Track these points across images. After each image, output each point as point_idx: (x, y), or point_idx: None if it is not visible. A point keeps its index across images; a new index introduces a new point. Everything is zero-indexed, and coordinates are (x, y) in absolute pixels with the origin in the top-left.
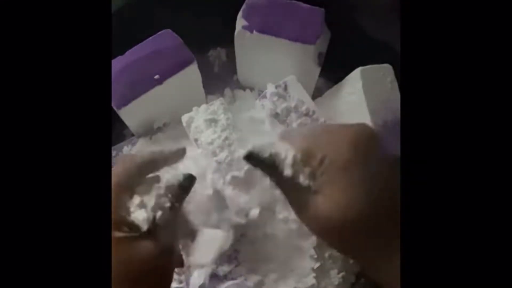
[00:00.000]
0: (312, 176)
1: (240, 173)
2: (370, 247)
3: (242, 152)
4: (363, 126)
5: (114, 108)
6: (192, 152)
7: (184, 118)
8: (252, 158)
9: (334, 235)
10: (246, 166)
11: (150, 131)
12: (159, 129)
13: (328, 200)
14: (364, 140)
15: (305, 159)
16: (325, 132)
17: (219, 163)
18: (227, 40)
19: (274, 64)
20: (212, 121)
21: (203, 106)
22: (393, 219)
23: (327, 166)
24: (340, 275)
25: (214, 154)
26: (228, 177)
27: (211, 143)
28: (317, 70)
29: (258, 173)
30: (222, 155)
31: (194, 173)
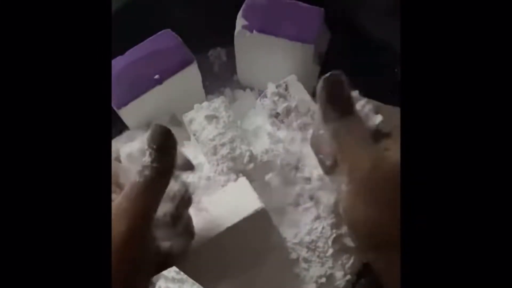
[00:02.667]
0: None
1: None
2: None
3: (244, 148)
4: None
5: (114, 108)
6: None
7: (185, 116)
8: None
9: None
10: (250, 164)
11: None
12: None
13: (395, 157)
14: None
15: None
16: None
17: (221, 157)
18: (227, 40)
19: (274, 63)
20: (214, 118)
21: (205, 103)
22: None
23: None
24: (346, 278)
25: (215, 150)
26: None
27: (212, 139)
28: (317, 69)
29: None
30: (224, 151)
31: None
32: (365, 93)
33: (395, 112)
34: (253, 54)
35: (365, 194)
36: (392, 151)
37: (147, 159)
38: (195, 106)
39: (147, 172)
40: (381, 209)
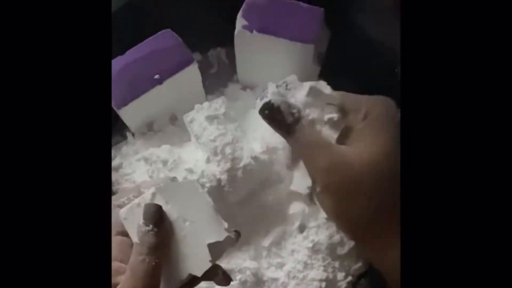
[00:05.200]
0: (348, 129)
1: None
2: (380, 220)
3: (245, 148)
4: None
5: (114, 108)
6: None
7: (186, 116)
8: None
9: (353, 188)
10: (251, 164)
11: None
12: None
13: (358, 152)
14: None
15: (347, 112)
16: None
17: (222, 158)
18: (227, 40)
19: (274, 63)
20: (214, 118)
21: (206, 103)
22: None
23: (368, 122)
24: (347, 279)
25: (216, 151)
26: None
27: (213, 140)
28: (317, 69)
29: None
30: (225, 152)
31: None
32: (365, 92)
33: (362, 101)
34: (253, 54)
35: (330, 197)
36: (354, 147)
37: (145, 236)
38: (196, 106)
39: (146, 247)
40: (350, 207)
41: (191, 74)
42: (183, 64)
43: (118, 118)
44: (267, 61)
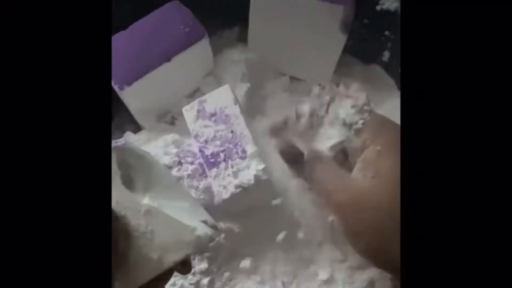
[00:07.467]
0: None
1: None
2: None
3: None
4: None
5: (116, 89)
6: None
7: (186, 110)
8: None
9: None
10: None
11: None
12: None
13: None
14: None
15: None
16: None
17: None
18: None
19: (294, 26)
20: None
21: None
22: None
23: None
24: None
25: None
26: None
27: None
28: (343, 39)
29: None
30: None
31: None
32: None
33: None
34: (270, 15)
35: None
36: (360, 177)
37: None
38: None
39: None
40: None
41: (202, 50)
42: (193, 39)
43: (117, 112)
44: (286, 23)
